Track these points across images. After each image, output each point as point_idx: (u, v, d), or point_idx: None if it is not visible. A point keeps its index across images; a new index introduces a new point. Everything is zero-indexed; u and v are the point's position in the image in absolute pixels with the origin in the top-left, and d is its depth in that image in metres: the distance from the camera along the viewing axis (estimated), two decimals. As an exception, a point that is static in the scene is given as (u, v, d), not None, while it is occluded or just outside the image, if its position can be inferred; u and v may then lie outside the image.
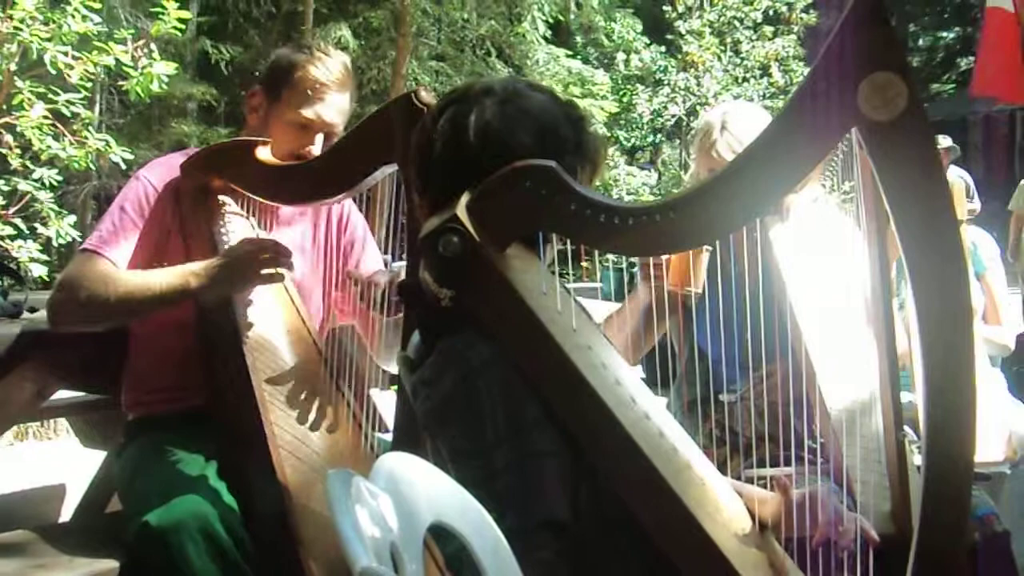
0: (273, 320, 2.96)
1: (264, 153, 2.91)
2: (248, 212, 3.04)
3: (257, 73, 3.16)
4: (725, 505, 1.98)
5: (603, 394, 1.87)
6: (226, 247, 2.90)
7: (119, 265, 2.88)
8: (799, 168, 1.77)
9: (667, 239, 1.85)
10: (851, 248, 2.86)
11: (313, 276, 3.21)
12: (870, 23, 1.66)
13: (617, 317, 3.29)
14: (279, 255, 2.79)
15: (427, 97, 2.56)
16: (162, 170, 3.05)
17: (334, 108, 3.05)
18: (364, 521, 1.32)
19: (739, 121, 3.14)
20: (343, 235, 3.27)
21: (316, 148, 3.02)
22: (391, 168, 2.67)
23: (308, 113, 3.00)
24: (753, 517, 2.03)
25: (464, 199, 1.89)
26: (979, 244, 4.12)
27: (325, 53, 3.08)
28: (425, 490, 1.53)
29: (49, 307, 2.93)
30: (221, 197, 3.00)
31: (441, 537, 1.89)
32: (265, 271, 2.78)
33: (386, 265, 3.36)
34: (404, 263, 2.69)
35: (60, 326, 2.92)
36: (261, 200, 2.99)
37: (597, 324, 2.16)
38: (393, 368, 3.00)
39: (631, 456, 1.86)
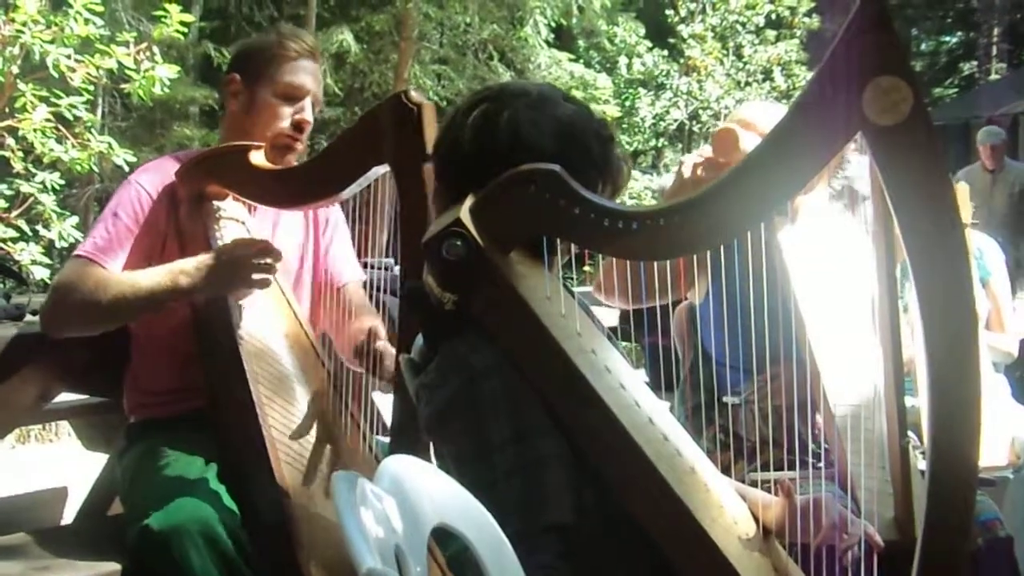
0: (270, 323, 2.96)
1: (258, 157, 2.91)
2: (242, 216, 3.04)
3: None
4: (729, 509, 1.98)
5: (606, 398, 1.88)
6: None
7: (112, 270, 2.88)
8: (804, 172, 1.77)
9: (672, 243, 1.85)
10: (858, 252, 2.86)
11: (307, 275, 3.22)
12: (874, 27, 1.66)
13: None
14: (271, 259, 2.79)
15: (417, 97, 2.57)
16: (155, 175, 3.05)
17: (312, 75, 3.11)
18: (369, 523, 1.32)
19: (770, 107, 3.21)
20: (321, 225, 3.29)
21: (307, 114, 3.07)
22: (383, 169, 2.67)
23: (292, 80, 3.05)
24: (757, 521, 2.03)
25: (468, 202, 1.89)
26: (985, 251, 4.11)
27: (291, 30, 3.18)
28: (429, 492, 1.53)
29: (42, 313, 2.94)
30: (216, 202, 3.00)
31: (442, 539, 1.89)
32: (257, 276, 2.78)
33: (387, 268, 3.36)
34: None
35: (53, 332, 2.93)
36: (256, 204, 3.00)
37: (602, 327, 2.16)
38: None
39: (634, 460, 1.86)
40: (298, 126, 3.05)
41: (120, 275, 2.86)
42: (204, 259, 2.81)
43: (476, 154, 2.01)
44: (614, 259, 3.14)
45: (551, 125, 2.01)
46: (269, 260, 2.78)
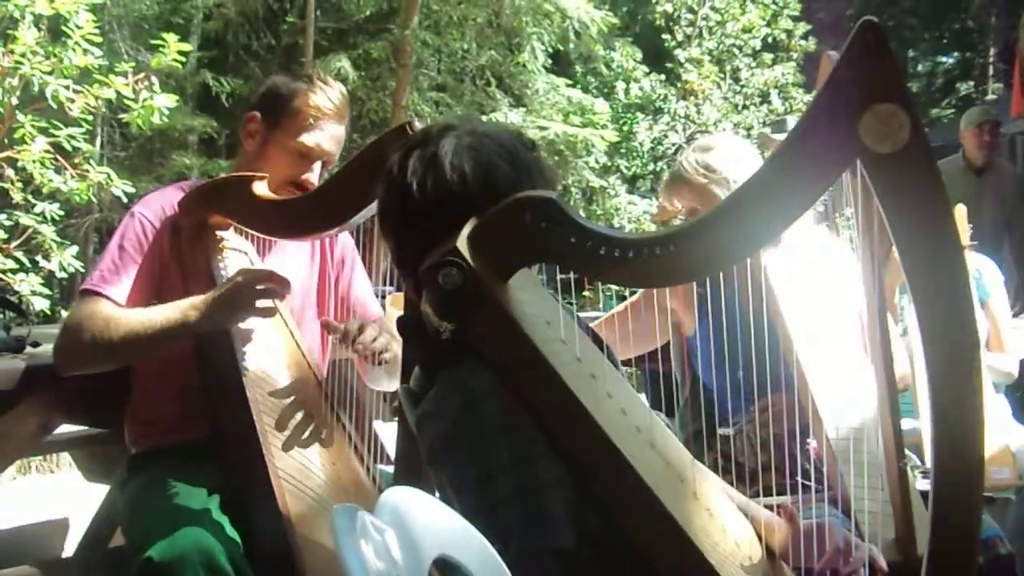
0: (273, 353, 2.96)
1: (261, 188, 2.91)
2: (245, 246, 3.05)
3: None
4: (732, 533, 1.98)
5: (604, 425, 1.87)
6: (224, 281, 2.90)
7: (120, 302, 2.89)
8: (801, 201, 1.76)
9: (668, 272, 1.84)
10: (845, 272, 2.86)
11: (311, 307, 3.22)
12: (872, 54, 1.66)
13: (618, 316, 3.32)
14: (274, 286, 2.79)
15: (421, 128, 2.57)
16: (157, 205, 3.05)
17: (332, 138, 3.08)
18: (369, 556, 1.32)
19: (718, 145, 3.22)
20: (333, 258, 3.29)
21: (314, 176, 3.05)
22: None
23: (308, 141, 3.02)
24: (762, 543, 2.03)
25: (465, 231, 1.89)
26: (983, 271, 4.13)
27: (324, 82, 3.10)
28: (430, 524, 1.53)
29: (55, 353, 2.94)
30: (218, 232, 3.01)
31: (443, 569, 1.89)
32: (260, 303, 2.78)
33: (385, 296, 3.37)
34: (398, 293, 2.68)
35: (67, 371, 2.94)
36: (258, 234, 3.00)
37: (607, 350, 2.16)
38: (380, 387, 3.02)
39: (633, 488, 1.85)
40: (301, 186, 3.05)
41: (131, 313, 2.87)
42: (211, 294, 2.81)
43: (431, 200, 2.00)
44: (612, 317, 3.23)
45: (489, 146, 2.03)
46: (272, 286, 2.77)
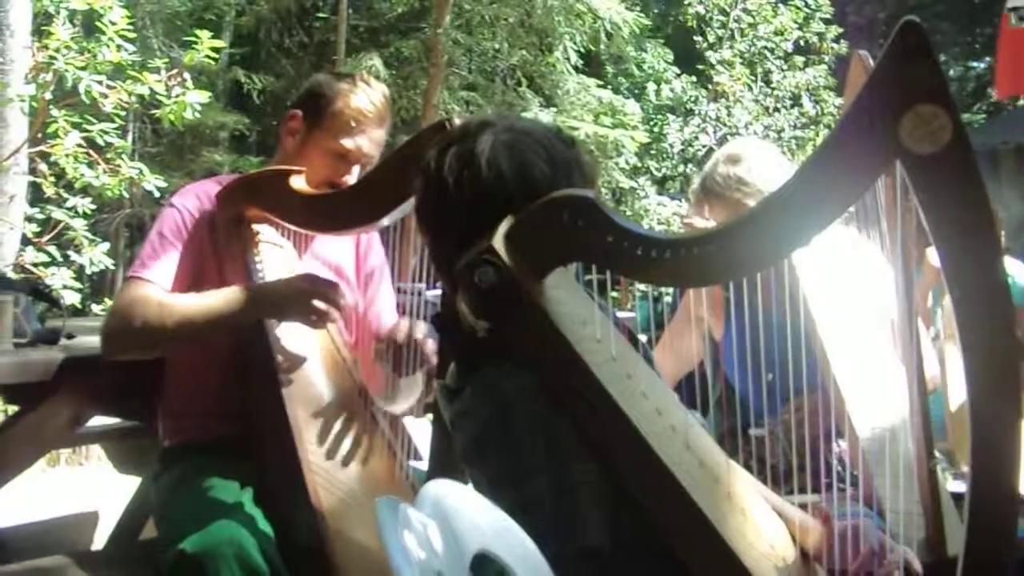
0: (307, 346, 2.96)
1: (299, 182, 2.91)
2: (282, 240, 3.05)
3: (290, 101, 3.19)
4: (766, 534, 1.97)
5: (640, 427, 1.87)
6: (260, 276, 2.91)
7: (161, 283, 2.88)
8: (840, 202, 1.75)
9: (705, 271, 1.84)
10: (875, 273, 2.84)
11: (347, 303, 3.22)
12: (913, 55, 1.65)
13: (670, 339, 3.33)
14: (332, 303, 2.79)
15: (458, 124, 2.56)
16: (195, 197, 3.06)
17: (373, 140, 3.06)
18: (412, 546, 1.32)
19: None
20: (364, 264, 3.29)
21: (352, 179, 3.03)
22: None
23: (348, 143, 3.01)
24: (795, 544, 2.03)
25: (501, 229, 1.89)
26: (1017, 277, 4.10)
27: (367, 83, 3.09)
28: (471, 518, 1.53)
29: (104, 337, 2.90)
30: (255, 226, 3.01)
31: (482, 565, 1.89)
32: (313, 316, 2.78)
33: (419, 293, 3.37)
34: (439, 292, 2.68)
35: (115, 355, 2.90)
36: (295, 229, 3.00)
37: (644, 349, 2.16)
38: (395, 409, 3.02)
39: (668, 487, 1.85)
40: (336, 187, 3.04)
41: (182, 298, 2.86)
42: (269, 286, 2.86)
43: (467, 197, 1.99)
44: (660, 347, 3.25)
45: (527, 143, 2.01)
46: (328, 303, 2.79)
